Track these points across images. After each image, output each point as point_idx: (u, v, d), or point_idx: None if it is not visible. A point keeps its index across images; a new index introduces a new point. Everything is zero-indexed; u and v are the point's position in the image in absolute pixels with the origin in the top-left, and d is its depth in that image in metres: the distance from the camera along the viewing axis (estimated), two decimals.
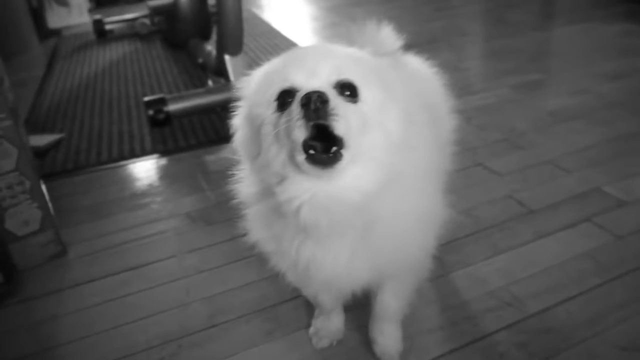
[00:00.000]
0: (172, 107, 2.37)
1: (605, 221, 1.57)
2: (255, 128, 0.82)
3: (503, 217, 1.63)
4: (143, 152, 2.29)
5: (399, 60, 1.17)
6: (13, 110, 1.48)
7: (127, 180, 2.10)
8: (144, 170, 2.17)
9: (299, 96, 0.73)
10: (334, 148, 0.74)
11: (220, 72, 2.60)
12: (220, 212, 1.78)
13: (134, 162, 2.23)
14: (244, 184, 0.94)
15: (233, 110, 0.89)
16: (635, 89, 2.49)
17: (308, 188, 0.78)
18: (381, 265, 0.94)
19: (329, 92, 0.74)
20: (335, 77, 0.78)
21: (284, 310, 1.35)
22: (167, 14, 3.79)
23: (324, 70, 0.78)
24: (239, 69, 2.52)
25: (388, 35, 1.18)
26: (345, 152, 0.74)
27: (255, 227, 0.97)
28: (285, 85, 0.78)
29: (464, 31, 3.75)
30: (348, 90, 0.78)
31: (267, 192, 0.85)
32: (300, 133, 0.73)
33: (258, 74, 0.87)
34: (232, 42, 2.48)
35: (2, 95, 1.42)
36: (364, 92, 0.79)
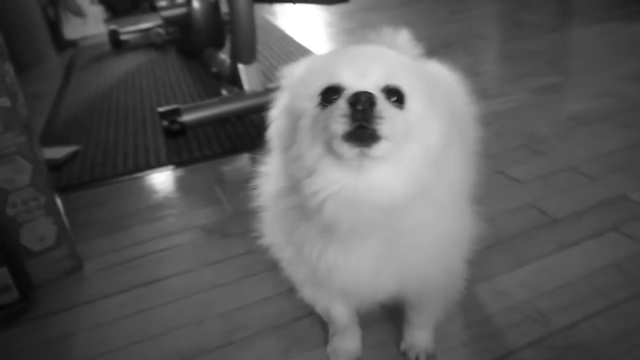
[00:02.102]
0: (186, 117, 2.36)
1: (632, 230, 1.51)
2: (294, 119, 0.80)
3: (525, 226, 1.58)
4: (158, 164, 2.28)
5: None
6: (27, 126, 1.47)
7: (142, 192, 2.10)
8: (160, 182, 2.16)
9: (346, 94, 0.72)
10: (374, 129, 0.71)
11: (235, 80, 2.59)
12: (236, 224, 1.76)
13: (150, 174, 2.22)
14: (269, 181, 0.91)
15: (272, 102, 0.88)
16: None
17: (336, 180, 0.75)
18: (406, 279, 0.91)
19: (377, 95, 0.72)
20: (384, 81, 0.76)
21: (302, 326, 1.32)
22: (180, 23, 3.80)
23: (374, 72, 0.76)
24: (253, 77, 2.51)
25: (406, 42, 1.15)
26: (384, 141, 0.72)
27: (272, 230, 0.95)
28: (333, 81, 0.76)
29: (480, 34, 3.70)
30: (395, 96, 0.76)
31: (293, 188, 0.82)
32: (341, 129, 0.71)
33: (302, 66, 0.85)
34: (245, 50, 2.47)
35: (15, 111, 1.42)
36: (410, 100, 0.77)
